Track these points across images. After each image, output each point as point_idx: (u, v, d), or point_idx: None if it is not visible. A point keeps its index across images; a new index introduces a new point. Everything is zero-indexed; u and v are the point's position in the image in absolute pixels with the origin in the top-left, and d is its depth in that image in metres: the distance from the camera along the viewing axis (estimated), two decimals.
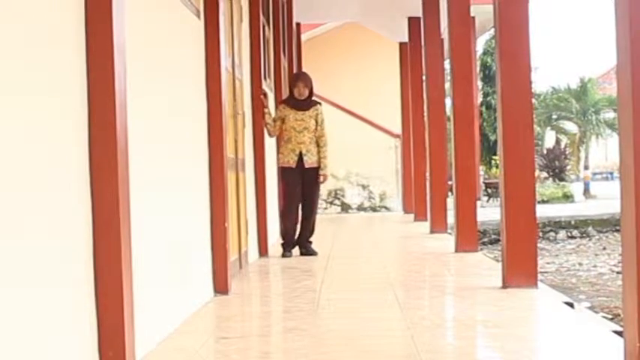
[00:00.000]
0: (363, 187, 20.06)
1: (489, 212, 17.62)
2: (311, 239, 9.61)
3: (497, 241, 15.47)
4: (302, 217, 9.56)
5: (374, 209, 19.97)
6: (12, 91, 2.85)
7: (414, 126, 15.57)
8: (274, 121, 9.50)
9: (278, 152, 9.70)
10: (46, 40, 3.18)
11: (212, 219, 6.43)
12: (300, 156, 9.28)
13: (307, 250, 9.49)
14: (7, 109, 2.81)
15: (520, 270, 6.47)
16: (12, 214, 2.82)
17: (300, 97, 9.37)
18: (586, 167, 34.81)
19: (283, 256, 9.33)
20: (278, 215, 9.70)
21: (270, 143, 10.84)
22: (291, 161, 9.30)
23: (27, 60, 3.00)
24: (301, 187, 9.36)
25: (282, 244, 9.51)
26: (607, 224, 20.38)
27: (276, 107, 9.72)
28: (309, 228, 9.54)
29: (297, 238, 9.53)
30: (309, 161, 9.31)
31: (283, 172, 9.49)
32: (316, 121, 9.37)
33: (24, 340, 2.92)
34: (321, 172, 9.43)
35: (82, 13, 3.53)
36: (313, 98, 9.57)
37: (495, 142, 27.11)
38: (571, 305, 6.30)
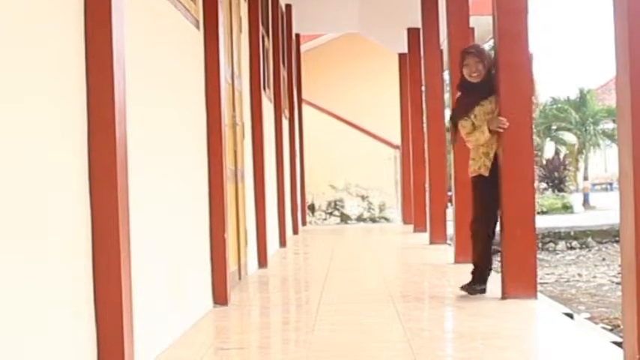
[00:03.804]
0: (363, 197, 20.07)
1: None
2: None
3: (496, 252, 15.47)
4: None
5: (373, 220, 19.98)
6: (13, 100, 2.86)
7: (413, 137, 15.56)
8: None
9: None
10: (45, 49, 3.19)
11: (211, 230, 6.43)
12: (497, 158, 6.81)
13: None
14: (6, 118, 2.81)
15: (519, 281, 6.47)
16: (8, 232, 2.82)
17: (472, 78, 6.91)
18: (585, 178, 34.81)
19: (481, 292, 6.95)
20: (481, 239, 7.11)
21: (269, 153, 10.84)
22: (483, 168, 6.90)
23: (28, 72, 3.00)
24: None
25: (483, 277, 7.04)
26: (606, 235, 20.41)
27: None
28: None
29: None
30: None
31: (475, 183, 7.06)
32: None
33: (24, 354, 2.91)
34: None
35: (82, 23, 3.53)
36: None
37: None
38: (570, 316, 6.30)
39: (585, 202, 31.52)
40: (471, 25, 10.43)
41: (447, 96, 13.73)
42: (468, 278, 7.01)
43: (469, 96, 6.93)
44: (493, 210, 6.87)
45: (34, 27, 3.07)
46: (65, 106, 3.37)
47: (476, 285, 6.91)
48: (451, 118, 7.12)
